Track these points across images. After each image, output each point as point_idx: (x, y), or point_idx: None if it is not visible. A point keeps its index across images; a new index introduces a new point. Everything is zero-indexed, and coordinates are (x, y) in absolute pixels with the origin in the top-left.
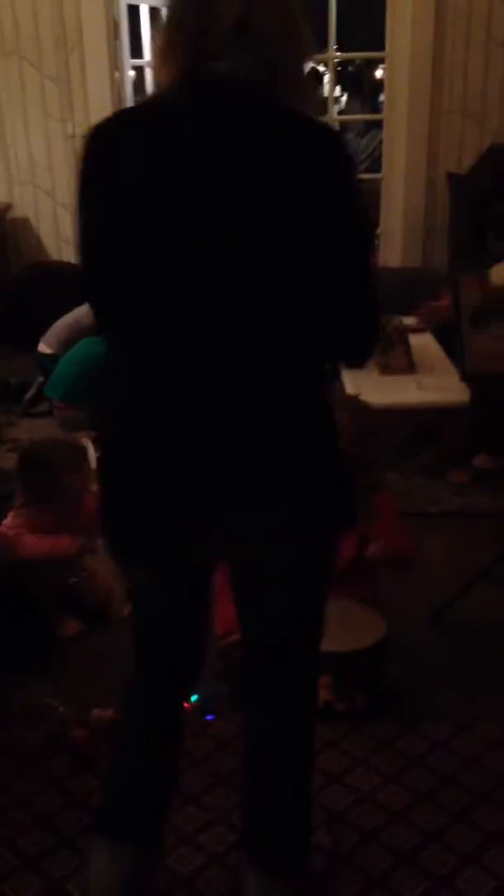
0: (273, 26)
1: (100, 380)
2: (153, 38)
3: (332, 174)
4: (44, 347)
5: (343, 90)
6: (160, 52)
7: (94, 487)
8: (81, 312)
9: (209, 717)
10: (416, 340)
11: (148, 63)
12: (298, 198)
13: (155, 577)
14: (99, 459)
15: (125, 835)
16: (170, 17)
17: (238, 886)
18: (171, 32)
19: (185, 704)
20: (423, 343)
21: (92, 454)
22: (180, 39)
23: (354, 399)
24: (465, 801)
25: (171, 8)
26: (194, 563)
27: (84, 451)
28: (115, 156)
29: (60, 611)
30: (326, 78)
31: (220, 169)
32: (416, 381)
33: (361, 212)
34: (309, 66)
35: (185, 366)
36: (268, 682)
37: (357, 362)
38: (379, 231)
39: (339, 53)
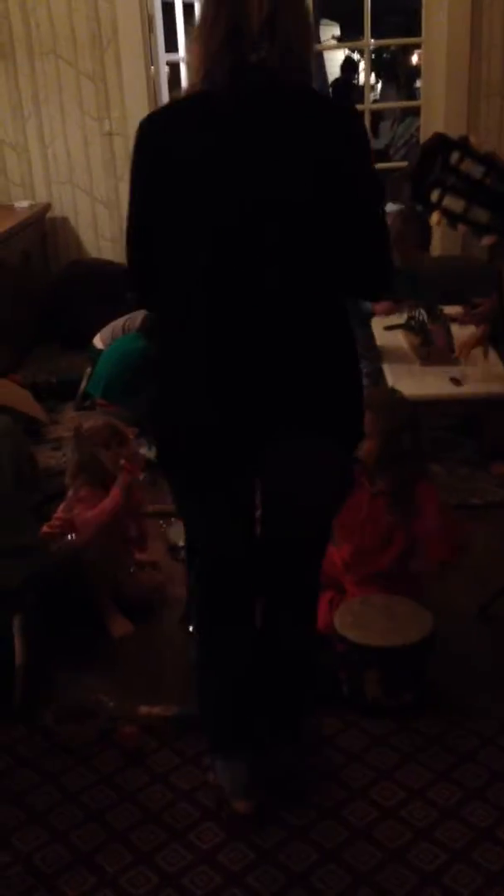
0: (294, 22)
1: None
2: (189, 35)
3: (362, 147)
4: (98, 342)
5: (377, 77)
6: (200, 50)
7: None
8: (135, 315)
9: None
10: (457, 330)
11: (183, 59)
12: (336, 166)
13: (227, 499)
14: (162, 414)
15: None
16: (203, 17)
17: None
18: (208, 32)
19: None
20: (465, 333)
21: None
22: (218, 38)
23: (388, 394)
24: None
25: (204, 10)
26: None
27: (122, 432)
28: (179, 139)
29: (112, 609)
30: (361, 66)
31: (273, 144)
32: (459, 372)
33: (377, 175)
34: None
35: (251, 325)
36: (290, 576)
37: (380, 295)
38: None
39: (374, 41)
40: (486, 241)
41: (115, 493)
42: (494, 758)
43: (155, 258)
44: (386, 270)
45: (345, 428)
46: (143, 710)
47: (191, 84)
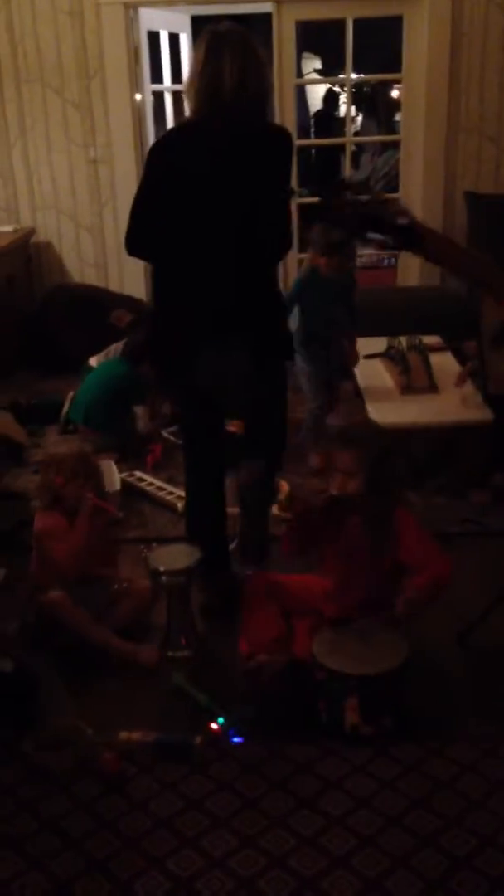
0: (257, 80)
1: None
2: (185, 92)
3: (289, 154)
4: (93, 361)
5: (357, 110)
6: (193, 101)
7: (91, 503)
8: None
9: (237, 741)
10: (436, 360)
11: (168, 88)
12: (273, 168)
13: (194, 392)
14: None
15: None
16: (191, 81)
17: None
18: (197, 87)
19: (213, 726)
20: (444, 362)
21: (112, 473)
22: (203, 93)
23: (367, 427)
24: (495, 825)
25: (192, 76)
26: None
27: (90, 465)
28: (180, 153)
29: (120, 643)
30: (342, 98)
31: (239, 158)
32: (437, 400)
33: (289, 175)
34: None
35: (220, 269)
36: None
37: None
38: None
39: (355, 76)
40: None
41: (80, 521)
42: (473, 785)
43: (151, 230)
44: (281, 241)
45: (275, 346)
46: (123, 736)
47: (191, 112)
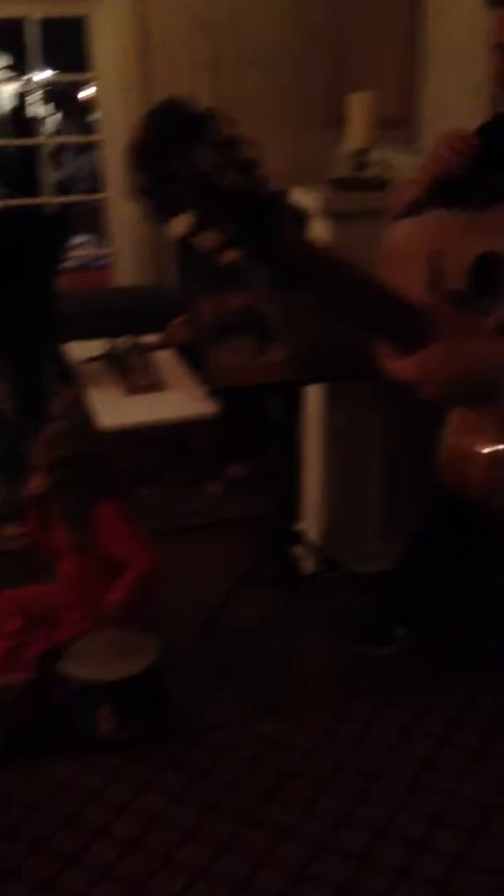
0: None
1: None
2: None
3: None
4: None
5: (57, 108)
6: None
7: None
8: None
9: None
10: (158, 357)
11: None
12: None
13: None
14: None
15: None
16: None
17: None
18: None
19: None
20: (166, 358)
21: None
22: None
23: (63, 428)
24: (247, 802)
25: None
26: None
27: None
28: None
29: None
30: (34, 98)
31: None
32: (163, 397)
33: None
34: None
35: None
36: None
37: None
38: (112, 251)
39: (46, 74)
40: (229, 256)
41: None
42: (230, 768)
43: None
44: None
45: None
46: None
47: None
